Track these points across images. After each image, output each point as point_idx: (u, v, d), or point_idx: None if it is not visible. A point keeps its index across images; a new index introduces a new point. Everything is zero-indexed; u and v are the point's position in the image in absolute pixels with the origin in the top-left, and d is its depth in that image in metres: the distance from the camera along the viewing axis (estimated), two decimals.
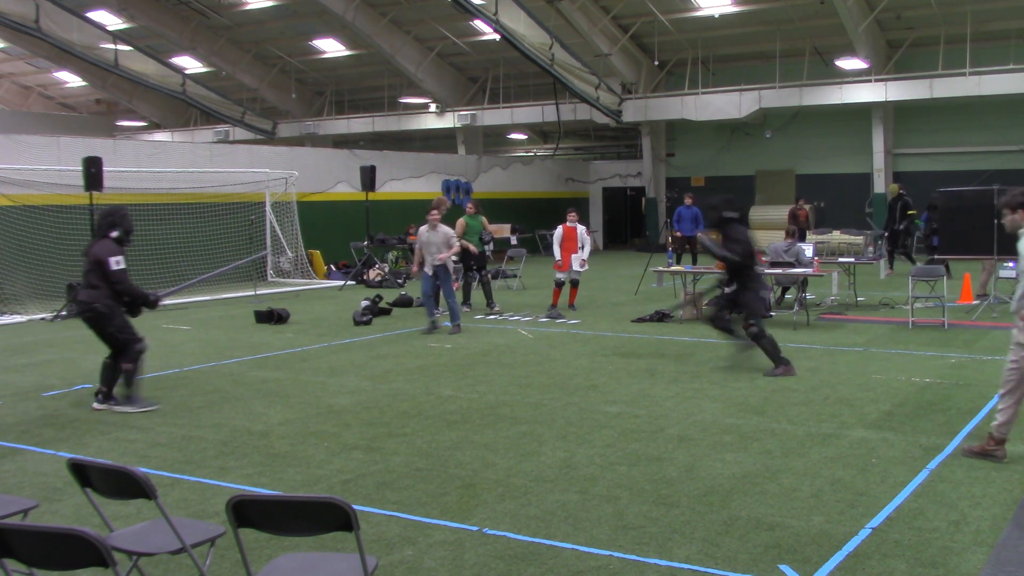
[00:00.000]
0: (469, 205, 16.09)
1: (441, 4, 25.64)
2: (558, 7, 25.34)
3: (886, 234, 20.36)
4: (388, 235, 23.35)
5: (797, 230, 19.05)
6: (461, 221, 15.53)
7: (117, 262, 8.24)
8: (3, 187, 16.33)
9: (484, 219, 15.96)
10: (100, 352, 11.69)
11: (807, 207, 22.29)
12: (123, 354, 8.39)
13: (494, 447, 7.02)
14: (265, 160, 21.71)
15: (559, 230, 14.92)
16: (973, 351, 11.02)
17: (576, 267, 14.80)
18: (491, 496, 5.89)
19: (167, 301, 14.32)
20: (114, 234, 8.36)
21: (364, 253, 21.64)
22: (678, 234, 20.86)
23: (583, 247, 14.84)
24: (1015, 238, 6.64)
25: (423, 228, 13.03)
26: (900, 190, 20.19)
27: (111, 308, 8.32)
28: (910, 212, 19.36)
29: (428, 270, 12.89)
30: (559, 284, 14.79)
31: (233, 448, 7.12)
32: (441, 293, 13.41)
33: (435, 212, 13.03)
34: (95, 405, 8.47)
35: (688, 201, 21.47)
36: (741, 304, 9.90)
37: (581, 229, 14.99)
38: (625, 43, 28.15)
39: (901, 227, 19.57)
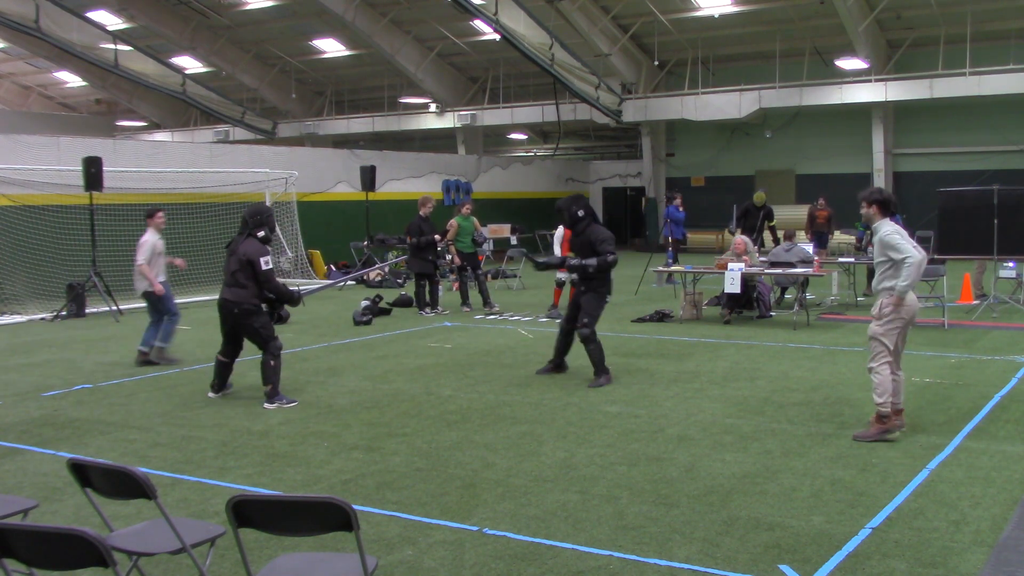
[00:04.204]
0: (466, 207, 15.92)
1: (441, 4, 25.65)
2: (558, 7, 25.33)
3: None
4: (388, 235, 23.35)
5: (813, 234, 18.38)
6: (453, 222, 15.51)
7: (266, 262, 8.55)
8: (3, 187, 16.31)
9: (476, 220, 15.93)
10: (99, 352, 11.76)
11: (829, 209, 19.22)
12: (265, 350, 8.64)
13: (494, 447, 7.01)
14: (265, 160, 21.70)
15: (560, 230, 14.91)
16: (973, 351, 11.01)
17: None
18: (491, 496, 5.89)
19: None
20: (261, 233, 8.66)
21: (364, 253, 21.64)
22: (671, 239, 19.35)
23: None
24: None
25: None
26: (766, 199, 18.03)
27: (257, 307, 8.66)
28: (771, 224, 17.82)
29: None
30: (560, 284, 14.79)
31: (233, 448, 7.11)
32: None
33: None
34: (210, 394, 8.91)
35: (677, 201, 19.78)
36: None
37: None
38: (625, 43, 28.16)
39: (755, 237, 17.18)
